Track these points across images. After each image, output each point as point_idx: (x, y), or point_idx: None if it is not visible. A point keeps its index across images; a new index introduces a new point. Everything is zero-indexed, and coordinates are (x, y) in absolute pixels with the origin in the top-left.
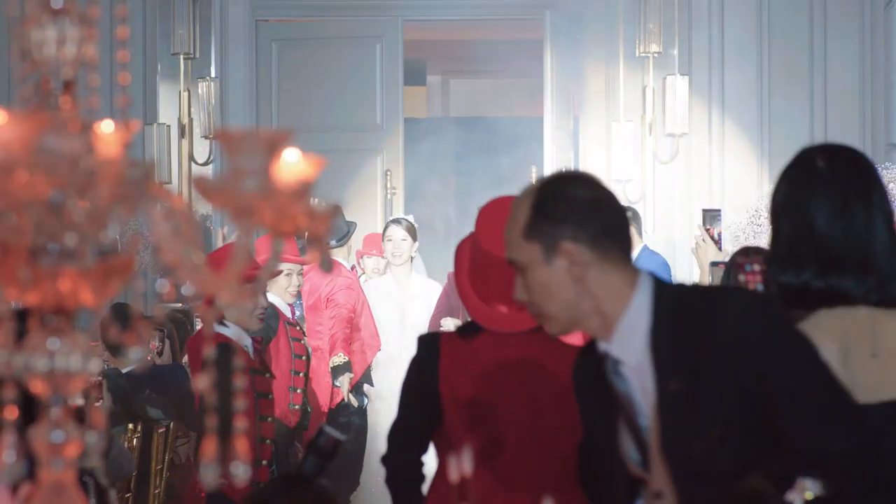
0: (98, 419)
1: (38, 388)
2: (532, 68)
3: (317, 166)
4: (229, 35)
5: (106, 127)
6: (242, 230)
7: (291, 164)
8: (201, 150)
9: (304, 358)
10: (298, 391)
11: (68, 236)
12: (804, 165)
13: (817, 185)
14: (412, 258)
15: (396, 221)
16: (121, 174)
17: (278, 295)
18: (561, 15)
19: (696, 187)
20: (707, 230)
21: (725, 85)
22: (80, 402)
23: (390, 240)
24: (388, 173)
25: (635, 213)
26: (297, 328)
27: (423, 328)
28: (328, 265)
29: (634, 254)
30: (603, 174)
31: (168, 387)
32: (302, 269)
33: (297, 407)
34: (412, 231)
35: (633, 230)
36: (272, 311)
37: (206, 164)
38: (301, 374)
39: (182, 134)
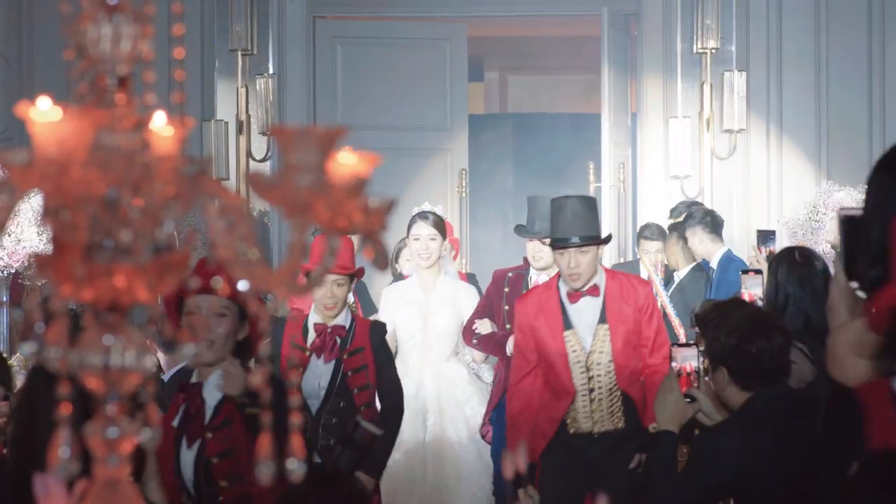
0: (154, 415)
1: (93, 384)
2: (589, 64)
3: (371, 163)
4: (286, 32)
5: (159, 121)
6: (297, 227)
7: (346, 160)
8: (259, 146)
9: (301, 370)
10: None
11: (123, 233)
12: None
13: None
14: (440, 257)
15: (423, 216)
16: (176, 170)
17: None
18: (618, 11)
19: (753, 183)
20: (760, 251)
21: (783, 81)
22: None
23: (417, 238)
24: (464, 172)
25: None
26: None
27: (450, 336)
28: (384, 262)
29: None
30: (660, 170)
31: None
32: (344, 280)
33: None
34: (441, 227)
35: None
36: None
37: (263, 160)
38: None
39: (240, 130)
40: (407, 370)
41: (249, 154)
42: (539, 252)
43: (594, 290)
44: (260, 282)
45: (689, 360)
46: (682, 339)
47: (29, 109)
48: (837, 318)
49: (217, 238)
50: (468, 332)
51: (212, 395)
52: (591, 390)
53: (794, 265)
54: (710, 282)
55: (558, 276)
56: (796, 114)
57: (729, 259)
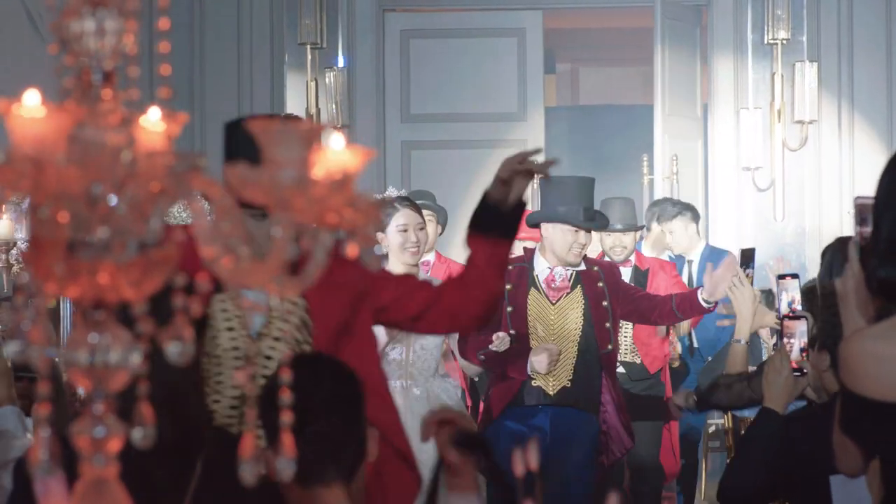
0: (147, 412)
1: (80, 382)
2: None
3: (364, 157)
4: (356, 25)
5: (153, 117)
6: (281, 223)
7: (335, 153)
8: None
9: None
10: None
11: (102, 230)
12: None
13: None
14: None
15: (405, 202)
16: (163, 167)
17: None
18: (681, 2)
19: (825, 175)
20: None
21: (854, 71)
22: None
23: (404, 229)
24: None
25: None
26: None
27: (437, 347)
28: (373, 262)
29: (697, 252)
30: (731, 161)
31: None
32: None
33: None
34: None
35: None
36: None
37: None
38: None
39: None
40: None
41: None
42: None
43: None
44: (246, 278)
45: (804, 334)
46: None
47: (11, 105)
48: (849, 312)
49: (201, 235)
50: (471, 345)
51: None
52: None
53: None
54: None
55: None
56: (868, 104)
57: (716, 252)
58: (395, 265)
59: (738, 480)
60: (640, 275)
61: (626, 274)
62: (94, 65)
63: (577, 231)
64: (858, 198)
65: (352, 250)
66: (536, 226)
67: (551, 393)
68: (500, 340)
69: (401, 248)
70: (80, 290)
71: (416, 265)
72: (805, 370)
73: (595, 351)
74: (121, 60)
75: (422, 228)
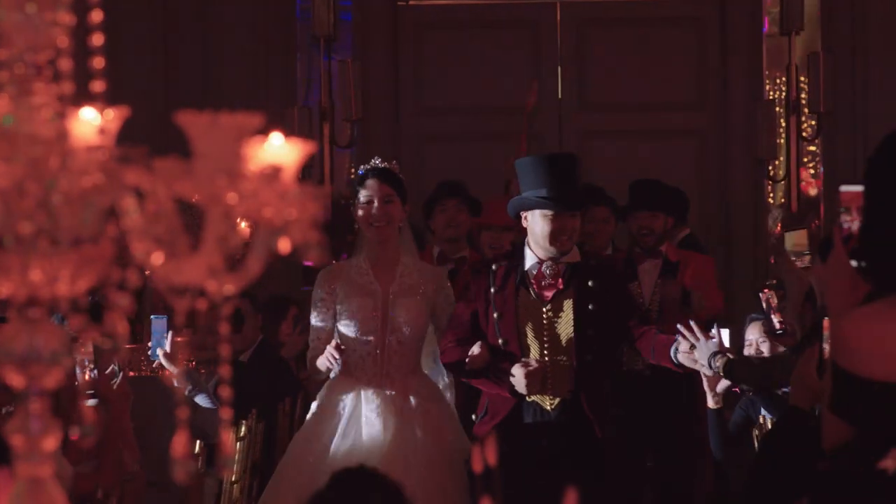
0: (89, 413)
1: (14, 380)
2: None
3: (305, 150)
4: (370, 17)
5: (86, 113)
6: (212, 217)
7: (270, 147)
8: (343, 133)
9: None
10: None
11: (25, 224)
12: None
13: None
14: (400, 229)
15: (375, 171)
16: (96, 161)
17: None
18: None
19: (840, 166)
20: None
21: (870, 62)
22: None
23: (369, 201)
24: None
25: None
26: None
27: (417, 341)
28: (316, 256)
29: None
30: (746, 153)
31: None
32: None
33: None
34: (399, 185)
35: None
36: None
37: (347, 146)
38: None
39: (323, 117)
40: (364, 392)
41: (333, 141)
42: None
43: None
44: (179, 273)
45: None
46: None
47: None
48: (832, 297)
49: (131, 230)
50: (450, 357)
51: None
52: None
53: None
54: None
55: None
56: (884, 95)
57: None
58: (368, 241)
59: (762, 480)
60: (671, 267)
61: (655, 267)
62: (26, 59)
63: (558, 216)
64: (843, 187)
65: (283, 245)
66: (518, 216)
67: (549, 409)
68: (471, 360)
69: (364, 222)
70: (13, 287)
71: (391, 244)
72: None
73: (597, 358)
74: (56, 54)
75: (389, 202)
